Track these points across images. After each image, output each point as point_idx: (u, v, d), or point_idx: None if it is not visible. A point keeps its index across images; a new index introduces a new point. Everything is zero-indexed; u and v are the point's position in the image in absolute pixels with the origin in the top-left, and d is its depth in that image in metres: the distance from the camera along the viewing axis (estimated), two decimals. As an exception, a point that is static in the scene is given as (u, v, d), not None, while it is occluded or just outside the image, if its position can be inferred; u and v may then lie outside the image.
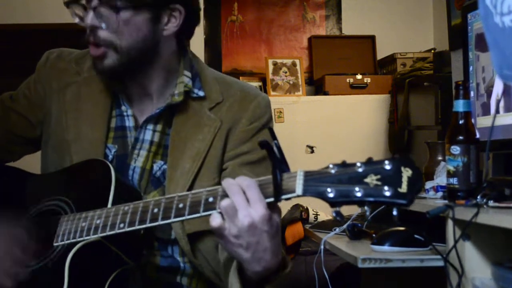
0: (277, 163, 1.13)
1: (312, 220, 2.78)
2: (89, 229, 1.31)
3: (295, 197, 1.11)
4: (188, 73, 1.52)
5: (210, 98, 1.53)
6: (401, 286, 2.32)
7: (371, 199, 1.05)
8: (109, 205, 1.33)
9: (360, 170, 1.07)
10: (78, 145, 1.50)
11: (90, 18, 1.42)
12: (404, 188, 1.04)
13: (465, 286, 1.45)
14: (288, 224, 2.78)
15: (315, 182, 1.09)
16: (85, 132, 1.51)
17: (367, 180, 1.06)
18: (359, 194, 1.06)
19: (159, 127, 1.51)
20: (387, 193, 1.04)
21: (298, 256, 2.95)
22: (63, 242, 1.35)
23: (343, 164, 1.10)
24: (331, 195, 1.07)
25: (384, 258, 1.57)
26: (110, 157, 1.51)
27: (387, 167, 1.06)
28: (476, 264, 1.45)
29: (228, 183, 1.17)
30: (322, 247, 1.82)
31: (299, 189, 1.10)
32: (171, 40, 1.50)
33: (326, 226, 2.14)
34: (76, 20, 1.45)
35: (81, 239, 1.32)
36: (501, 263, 1.41)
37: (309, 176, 1.11)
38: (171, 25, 1.48)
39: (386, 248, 1.63)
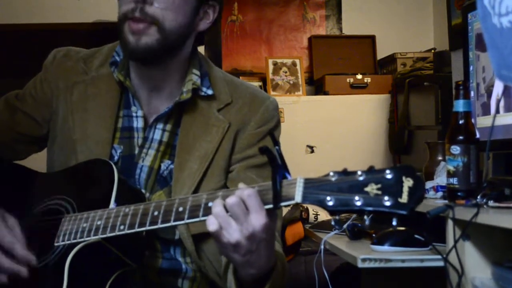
0: (277, 169, 1.13)
1: (312, 220, 2.78)
2: (89, 230, 1.31)
3: (294, 204, 1.11)
4: (197, 72, 1.52)
5: (219, 98, 1.52)
6: (401, 286, 2.32)
7: (370, 208, 1.05)
8: (111, 206, 1.33)
9: (360, 178, 1.07)
10: (84, 144, 1.50)
11: None
12: (404, 198, 1.04)
13: (465, 286, 1.45)
14: (288, 224, 2.78)
15: (315, 189, 1.09)
16: (92, 132, 1.50)
17: (368, 189, 1.05)
18: (358, 203, 1.05)
19: (168, 126, 1.51)
20: (387, 203, 1.04)
21: (298, 256, 2.95)
22: (63, 243, 1.34)
23: (344, 172, 1.09)
24: (330, 203, 1.07)
25: (384, 258, 1.57)
26: (116, 157, 1.50)
27: (388, 176, 1.05)
28: (476, 264, 1.45)
29: (229, 198, 1.16)
30: (322, 247, 1.82)
31: (298, 197, 1.10)
32: (193, 37, 1.51)
33: (326, 226, 2.14)
34: None
35: (81, 240, 1.32)
36: (501, 263, 1.41)
37: (309, 183, 1.10)
38: (204, 21, 1.50)
39: (386, 248, 1.63)
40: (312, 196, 1.09)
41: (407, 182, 1.05)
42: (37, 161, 1.68)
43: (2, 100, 1.63)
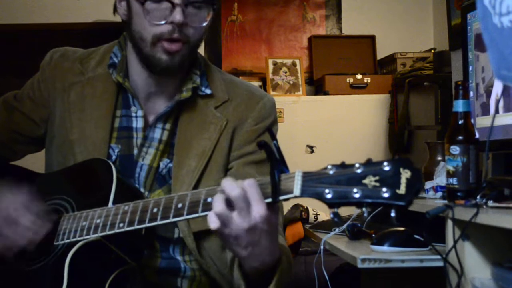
0: (275, 163, 1.13)
1: (312, 220, 2.78)
2: (89, 228, 1.32)
3: (292, 197, 1.11)
4: (197, 71, 1.53)
5: (216, 96, 1.54)
6: (401, 286, 2.32)
7: (369, 200, 1.05)
8: (110, 205, 1.34)
9: (358, 171, 1.07)
10: (82, 145, 1.50)
11: (181, 15, 1.40)
12: (402, 190, 1.04)
13: (465, 286, 1.45)
14: (288, 224, 2.79)
15: (313, 183, 1.09)
16: (89, 132, 1.51)
17: (366, 181, 1.06)
18: (357, 196, 1.05)
19: (168, 125, 1.52)
20: (385, 195, 1.04)
21: (298, 256, 2.95)
22: (63, 241, 1.35)
23: (342, 165, 1.09)
24: (328, 196, 1.07)
25: (384, 258, 1.57)
26: (114, 157, 1.51)
27: (386, 168, 1.06)
28: (475, 264, 1.45)
29: (227, 183, 1.16)
30: (322, 247, 1.82)
31: (297, 190, 1.10)
32: None
33: (326, 226, 2.14)
34: (154, 20, 1.41)
35: (81, 238, 1.32)
36: (500, 263, 1.41)
37: (307, 177, 1.10)
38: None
39: (385, 248, 1.63)
40: (310, 190, 1.09)
41: (405, 174, 1.05)
42: (36, 162, 1.69)
43: (0, 100, 1.64)
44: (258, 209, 1.14)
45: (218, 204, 1.16)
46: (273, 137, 1.19)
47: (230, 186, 1.15)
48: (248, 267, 1.25)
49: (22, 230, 1.33)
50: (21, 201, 1.35)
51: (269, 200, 1.15)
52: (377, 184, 1.05)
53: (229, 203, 1.15)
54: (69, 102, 1.54)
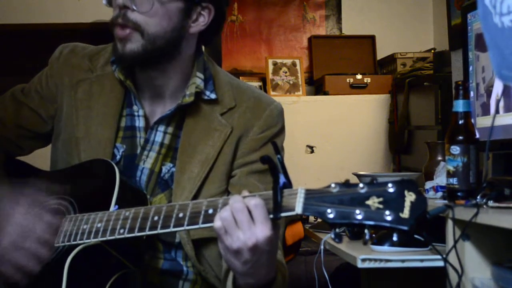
0: (278, 179, 1.12)
1: (312, 220, 2.78)
2: (89, 232, 1.31)
3: (294, 215, 1.10)
4: (201, 75, 1.51)
5: (222, 102, 1.51)
6: (401, 286, 2.32)
7: (371, 222, 1.04)
8: (112, 207, 1.33)
9: (362, 191, 1.06)
10: (87, 143, 1.50)
11: None
12: (406, 214, 1.03)
13: (465, 286, 1.45)
14: (288, 224, 2.78)
15: (315, 201, 1.09)
16: (95, 130, 1.50)
17: (369, 202, 1.05)
18: (359, 217, 1.05)
19: (170, 129, 1.50)
20: (388, 218, 1.03)
21: (298, 256, 2.94)
22: (63, 244, 1.35)
23: (346, 184, 1.09)
24: (331, 216, 1.07)
25: (384, 258, 1.57)
26: (118, 156, 1.50)
27: (391, 190, 1.05)
28: (476, 264, 1.45)
29: (234, 200, 1.16)
30: (322, 247, 1.82)
31: (299, 208, 1.10)
32: (193, 39, 1.51)
33: (326, 226, 2.14)
34: (104, 1, 1.44)
35: (81, 241, 1.32)
36: (501, 263, 1.41)
37: (309, 194, 1.10)
38: (199, 23, 1.48)
39: (386, 248, 1.63)
40: (312, 208, 1.09)
41: (409, 197, 1.04)
42: (41, 158, 1.68)
43: (9, 94, 1.62)
44: (263, 229, 1.14)
45: (225, 212, 1.16)
46: (277, 151, 1.17)
47: (236, 206, 1.15)
48: (243, 282, 1.26)
49: (41, 236, 1.32)
50: (26, 208, 1.34)
51: (270, 216, 1.14)
52: (381, 206, 1.04)
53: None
54: (76, 99, 1.53)
